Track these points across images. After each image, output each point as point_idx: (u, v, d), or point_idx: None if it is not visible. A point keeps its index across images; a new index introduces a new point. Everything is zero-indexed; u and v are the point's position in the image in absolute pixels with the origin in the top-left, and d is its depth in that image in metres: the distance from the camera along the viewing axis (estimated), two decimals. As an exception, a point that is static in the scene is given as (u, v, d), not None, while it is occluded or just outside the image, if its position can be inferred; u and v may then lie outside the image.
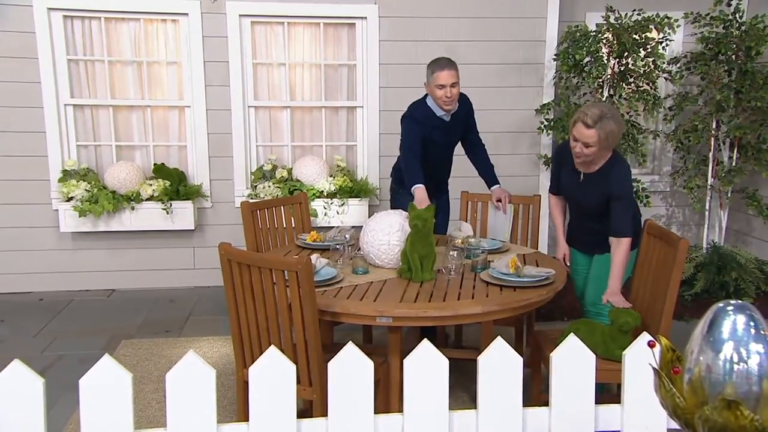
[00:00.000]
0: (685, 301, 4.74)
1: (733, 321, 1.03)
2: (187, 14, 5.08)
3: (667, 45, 4.96)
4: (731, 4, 4.90)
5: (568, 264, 3.44)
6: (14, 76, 4.95)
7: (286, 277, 2.48)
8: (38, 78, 4.97)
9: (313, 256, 2.91)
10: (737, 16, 4.95)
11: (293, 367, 1.45)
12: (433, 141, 3.71)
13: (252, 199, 5.13)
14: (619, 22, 4.94)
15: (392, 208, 3.91)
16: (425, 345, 1.49)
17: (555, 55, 5.26)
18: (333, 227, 3.84)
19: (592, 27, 5.13)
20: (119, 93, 5.23)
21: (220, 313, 4.66)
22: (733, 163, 5.15)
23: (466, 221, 3.92)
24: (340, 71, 5.42)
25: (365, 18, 5.22)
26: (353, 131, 5.49)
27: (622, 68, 5.01)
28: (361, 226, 3.25)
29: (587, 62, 4.94)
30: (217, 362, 3.83)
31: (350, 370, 1.46)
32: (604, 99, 4.99)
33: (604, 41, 4.94)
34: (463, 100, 3.82)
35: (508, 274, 2.89)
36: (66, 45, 5.03)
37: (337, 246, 3.18)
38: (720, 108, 4.95)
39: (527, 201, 3.91)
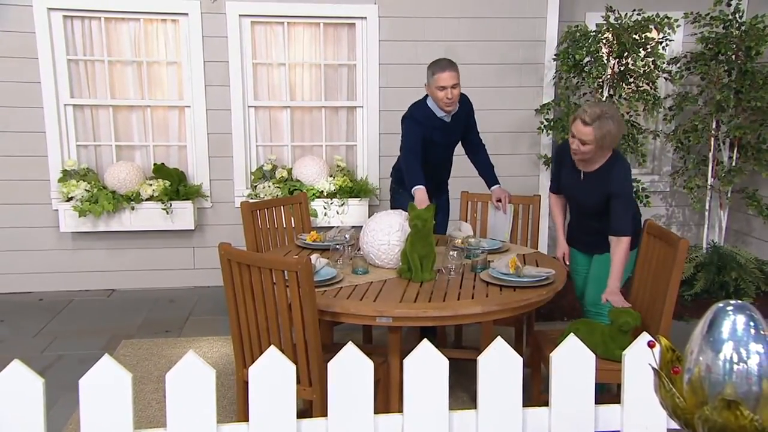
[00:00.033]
0: (685, 301, 4.74)
1: (733, 321, 1.03)
2: (187, 14, 5.08)
3: (667, 45, 4.96)
4: (731, 4, 4.90)
5: (568, 263, 3.44)
6: (14, 76, 4.95)
7: (286, 277, 2.48)
8: (38, 78, 4.97)
9: (313, 256, 2.91)
10: (737, 16, 4.95)
11: (293, 367, 1.45)
12: (434, 142, 3.71)
13: (252, 199, 5.13)
14: (619, 22, 4.94)
15: (392, 208, 3.91)
16: (425, 345, 1.49)
17: (555, 55, 5.26)
18: (333, 227, 3.84)
19: (592, 27, 5.13)
20: (119, 93, 5.23)
21: (220, 313, 4.66)
22: (733, 163, 5.15)
23: (466, 221, 3.92)
24: (340, 71, 5.42)
25: (365, 18, 5.22)
26: (353, 131, 5.49)
27: (622, 68, 5.01)
28: (361, 226, 3.25)
29: (587, 62, 4.94)
30: (217, 362, 3.83)
31: (350, 370, 1.46)
32: (604, 99, 4.99)
33: (604, 41, 4.94)
34: (464, 101, 3.82)
35: (508, 274, 2.89)
36: (66, 45, 5.03)
37: (337, 246, 3.18)
38: (720, 108, 4.95)
39: (527, 201, 3.91)
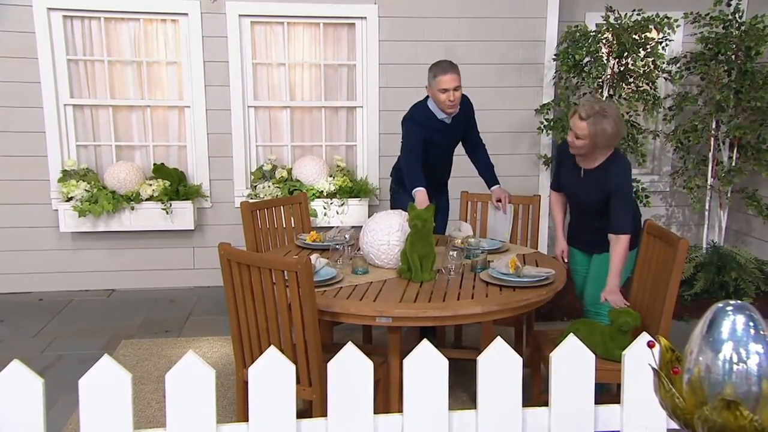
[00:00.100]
0: (685, 301, 4.74)
1: (733, 321, 1.03)
2: (186, 14, 5.08)
3: (666, 45, 4.96)
4: (731, 4, 4.90)
5: (566, 261, 3.44)
6: (14, 76, 4.95)
7: (286, 278, 2.48)
8: (38, 78, 4.97)
9: (313, 256, 2.91)
10: (737, 16, 4.95)
11: (293, 367, 1.45)
12: (434, 143, 3.71)
13: (252, 199, 5.13)
14: (619, 22, 4.94)
15: (392, 208, 3.91)
16: (425, 345, 1.49)
17: (555, 55, 5.26)
18: (333, 227, 3.84)
19: (591, 27, 5.13)
20: (119, 93, 5.23)
21: (219, 313, 4.66)
22: (733, 163, 5.15)
23: (466, 221, 3.92)
24: (340, 71, 5.42)
25: (365, 18, 5.22)
26: (353, 131, 5.49)
27: (622, 68, 5.01)
28: (361, 226, 3.25)
29: (587, 62, 4.94)
30: (216, 362, 3.83)
31: (350, 371, 1.46)
32: (603, 99, 4.99)
33: (603, 41, 4.95)
34: (464, 101, 3.81)
35: (507, 274, 2.89)
36: (66, 45, 5.03)
37: (337, 246, 3.18)
38: (720, 108, 4.95)
39: (527, 201, 3.91)
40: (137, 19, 5.11)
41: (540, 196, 3.98)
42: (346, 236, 3.46)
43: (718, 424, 0.99)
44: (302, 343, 2.52)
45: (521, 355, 1.59)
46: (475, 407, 1.54)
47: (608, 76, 5.01)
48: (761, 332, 1.02)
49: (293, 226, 3.90)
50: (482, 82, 5.29)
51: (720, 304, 1.06)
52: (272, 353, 1.45)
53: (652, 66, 4.98)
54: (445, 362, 1.49)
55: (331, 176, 5.31)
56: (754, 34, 4.82)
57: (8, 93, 4.96)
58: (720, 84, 4.97)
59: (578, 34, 4.98)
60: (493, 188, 3.91)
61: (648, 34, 4.91)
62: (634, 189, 4.58)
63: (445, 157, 3.91)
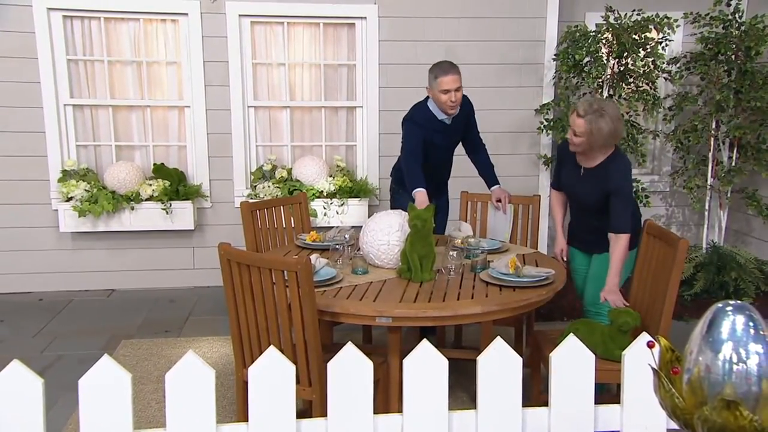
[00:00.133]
0: (685, 301, 4.74)
1: (733, 321, 1.03)
2: (186, 14, 5.08)
3: (666, 45, 4.96)
4: (731, 4, 4.90)
5: (565, 260, 3.44)
6: (14, 76, 4.95)
7: (286, 278, 2.48)
8: (38, 78, 4.97)
9: (313, 257, 2.91)
10: (737, 16, 4.95)
11: (293, 367, 1.45)
12: (434, 144, 3.71)
13: (252, 199, 5.13)
14: (619, 22, 4.94)
15: (392, 208, 3.91)
16: (425, 345, 1.49)
17: (555, 55, 5.26)
18: (333, 227, 3.84)
19: (591, 27, 5.13)
20: (119, 93, 5.23)
21: (219, 313, 4.66)
22: (733, 163, 5.16)
23: (466, 221, 3.92)
24: (340, 71, 5.42)
25: (365, 18, 5.22)
26: (353, 131, 5.49)
27: (622, 68, 5.01)
28: (361, 226, 3.25)
29: (587, 62, 4.94)
30: (216, 362, 3.83)
31: (350, 371, 1.46)
32: (604, 98, 4.99)
33: (603, 41, 4.95)
34: (464, 101, 3.81)
35: (507, 274, 2.89)
36: (65, 45, 5.03)
37: (337, 246, 3.18)
38: (720, 108, 4.95)
39: (527, 201, 3.91)
40: (137, 19, 5.11)
41: (540, 196, 3.98)
42: (346, 236, 3.46)
43: (717, 425, 0.99)
44: (302, 343, 2.52)
45: (521, 355, 1.59)
46: (475, 407, 1.54)
47: (608, 76, 5.01)
48: (761, 332, 1.02)
49: (293, 226, 3.90)
50: (482, 82, 5.29)
51: (720, 305, 1.06)
52: (272, 353, 1.45)
53: (652, 66, 4.98)
54: (445, 362, 1.49)
55: (331, 176, 5.31)
56: (754, 34, 4.82)
57: (8, 93, 4.96)
58: (720, 84, 4.97)
59: (578, 34, 4.98)
60: (493, 188, 3.91)
61: (648, 34, 4.91)
62: (634, 189, 4.58)
63: (445, 158, 3.91)
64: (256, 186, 5.25)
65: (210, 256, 5.30)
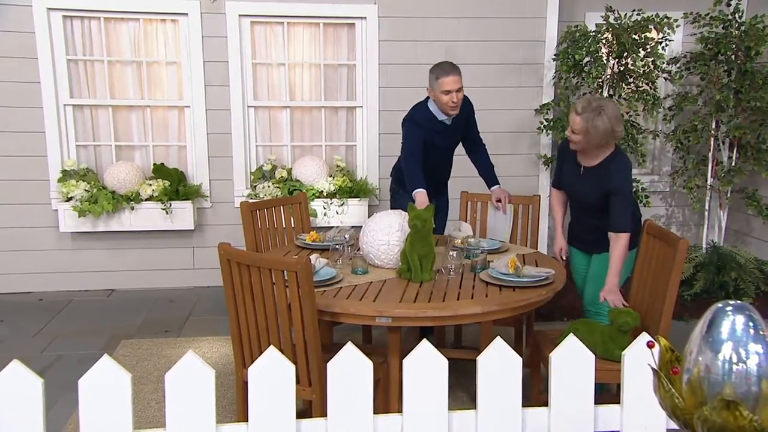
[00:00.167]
0: (685, 301, 4.74)
1: (732, 321, 1.03)
2: (186, 14, 5.08)
3: (666, 45, 4.96)
4: (731, 4, 4.90)
5: (564, 258, 3.44)
6: (14, 76, 4.95)
7: (286, 278, 2.48)
8: (38, 78, 4.97)
9: (313, 257, 2.91)
10: (737, 16, 4.95)
11: (293, 367, 1.45)
12: (435, 144, 3.71)
13: (251, 199, 5.13)
14: (619, 22, 4.94)
15: (392, 208, 3.91)
16: (424, 345, 1.49)
17: (554, 55, 5.26)
18: (332, 227, 3.84)
19: (591, 27, 5.13)
20: (119, 93, 5.23)
21: (219, 313, 4.66)
22: (733, 163, 5.16)
23: (466, 221, 3.92)
24: (340, 71, 5.42)
25: (365, 18, 5.22)
26: (353, 131, 5.49)
27: (622, 68, 5.01)
28: (361, 226, 3.25)
29: (587, 62, 4.94)
30: (216, 362, 3.83)
31: (349, 371, 1.46)
32: (605, 97, 4.99)
33: (603, 41, 4.95)
34: (464, 102, 3.81)
35: (507, 274, 2.89)
36: (65, 45, 5.03)
37: (337, 246, 3.18)
38: (719, 108, 4.95)
39: (527, 201, 3.91)
40: (137, 19, 5.11)
41: (540, 196, 3.98)
42: (346, 236, 3.46)
43: (717, 425, 0.99)
44: (302, 343, 2.52)
45: (521, 355, 1.59)
46: (474, 407, 1.54)
47: (608, 76, 5.01)
48: (761, 332, 1.02)
49: (293, 226, 3.90)
50: (482, 82, 5.29)
51: (719, 305, 1.06)
52: (272, 353, 1.45)
53: (652, 66, 4.98)
54: (445, 362, 1.49)
55: (330, 176, 5.31)
56: (753, 34, 4.82)
57: (8, 93, 4.96)
58: (720, 84, 4.97)
59: (578, 34, 4.98)
60: (493, 188, 3.91)
61: (648, 34, 4.91)
62: (634, 189, 4.58)
63: (445, 158, 3.91)
64: (256, 186, 5.25)
65: (210, 256, 5.30)
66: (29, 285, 5.19)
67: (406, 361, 1.48)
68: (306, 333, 2.49)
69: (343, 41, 5.36)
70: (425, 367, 1.48)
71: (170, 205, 5.10)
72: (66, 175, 5.04)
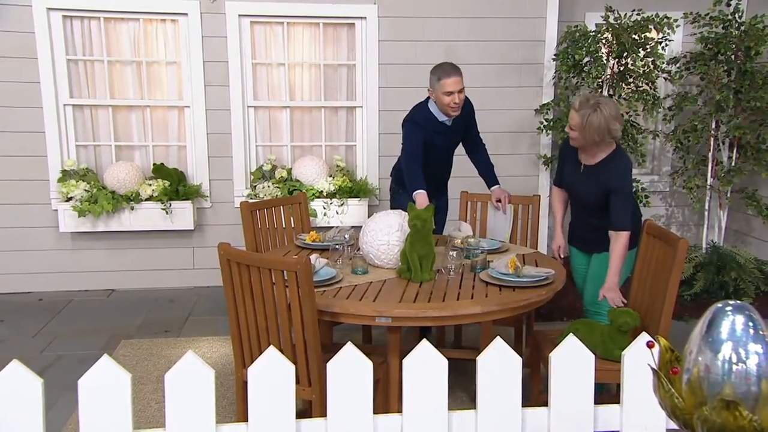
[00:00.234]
0: (685, 301, 4.74)
1: (732, 321, 1.03)
2: (186, 14, 5.08)
3: (666, 45, 4.96)
4: (731, 4, 4.90)
5: (563, 256, 3.45)
6: (13, 76, 4.95)
7: (286, 278, 2.48)
8: (37, 78, 4.97)
9: (313, 257, 2.91)
10: (737, 16, 4.95)
11: (292, 367, 1.45)
12: (435, 145, 3.71)
13: (251, 199, 5.13)
14: (619, 22, 4.94)
15: (392, 208, 3.91)
16: (424, 345, 1.49)
17: (554, 55, 5.26)
18: (332, 227, 3.84)
19: (591, 27, 5.13)
20: (118, 93, 5.22)
21: (219, 313, 4.66)
22: (733, 163, 5.16)
23: (466, 221, 3.92)
24: (340, 71, 5.42)
25: (365, 18, 5.22)
26: (353, 131, 5.49)
27: (622, 68, 5.01)
28: (361, 226, 3.25)
29: (587, 62, 4.94)
30: (216, 362, 3.83)
31: (349, 371, 1.46)
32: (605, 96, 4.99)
33: (603, 41, 4.95)
34: (464, 102, 3.81)
35: (507, 274, 2.89)
36: (65, 45, 5.03)
37: (337, 246, 3.18)
38: (719, 108, 4.95)
39: (527, 201, 3.91)
40: (137, 19, 5.11)
41: (540, 196, 3.98)
42: (346, 236, 3.46)
43: (717, 425, 0.99)
44: (302, 343, 2.52)
45: (521, 355, 1.59)
46: (474, 407, 1.54)
47: (608, 76, 5.01)
48: (760, 332, 1.02)
49: (293, 226, 3.90)
50: (482, 82, 5.29)
51: (719, 305, 1.06)
52: (272, 353, 1.45)
53: (651, 66, 4.98)
54: (445, 362, 1.49)
55: (330, 176, 5.31)
56: (753, 34, 4.82)
57: (8, 93, 4.96)
58: (720, 84, 4.97)
59: (578, 34, 4.98)
60: (492, 188, 3.91)
61: (648, 34, 4.91)
62: (634, 189, 4.58)
63: (445, 158, 3.91)
64: (255, 186, 5.25)
65: (210, 256, 5.30)
66: (29, 285, 5.19)
67: (405, 361, 1.48)
68: (306, 333, 2.49)
69: (343, 41, 5.36)
70: (425, 367, 1.48)
71: (170, 205, 5.10)
72: (66, 175, 5.04)
